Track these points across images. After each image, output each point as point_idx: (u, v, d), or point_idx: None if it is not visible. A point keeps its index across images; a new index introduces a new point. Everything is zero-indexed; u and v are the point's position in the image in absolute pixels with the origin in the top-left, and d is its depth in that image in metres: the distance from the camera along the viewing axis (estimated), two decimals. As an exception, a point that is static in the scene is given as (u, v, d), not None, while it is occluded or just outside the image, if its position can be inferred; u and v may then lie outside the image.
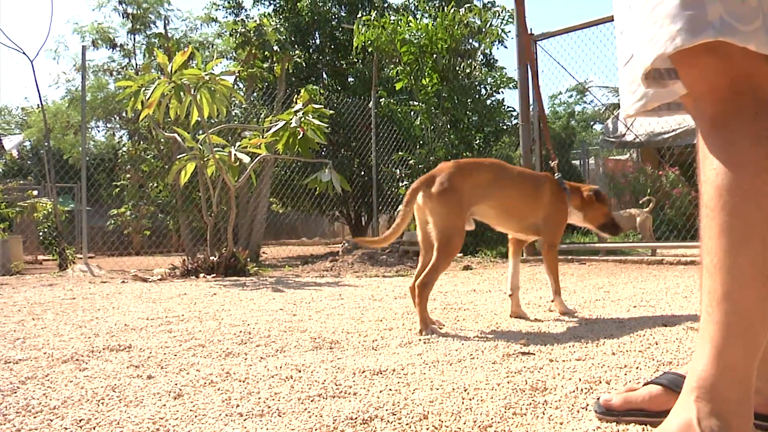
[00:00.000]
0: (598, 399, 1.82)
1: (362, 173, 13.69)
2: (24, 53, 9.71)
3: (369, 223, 15.01)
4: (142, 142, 16.11)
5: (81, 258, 9.43)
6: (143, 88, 6.98)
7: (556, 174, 3.85)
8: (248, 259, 8.01)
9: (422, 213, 3.41)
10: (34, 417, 1.90)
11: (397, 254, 9.27)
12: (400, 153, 11.78)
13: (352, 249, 9.51)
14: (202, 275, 7.19)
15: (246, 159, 7.33)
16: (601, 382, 2.14)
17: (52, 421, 1.85)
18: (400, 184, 11.35)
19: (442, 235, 3.31)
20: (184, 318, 3.89)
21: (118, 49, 17.63)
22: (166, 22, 16.13)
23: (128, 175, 15.54)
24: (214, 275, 7.16)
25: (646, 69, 1.44)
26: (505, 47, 13.19)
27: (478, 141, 11.44)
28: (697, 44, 1.31)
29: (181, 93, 6.82)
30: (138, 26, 16.15)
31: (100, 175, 16.16)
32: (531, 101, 9.10)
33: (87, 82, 10.41)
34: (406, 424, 1.74)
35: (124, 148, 16.94)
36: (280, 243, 19.04)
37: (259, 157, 7.67)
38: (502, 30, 11.78)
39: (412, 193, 3.43)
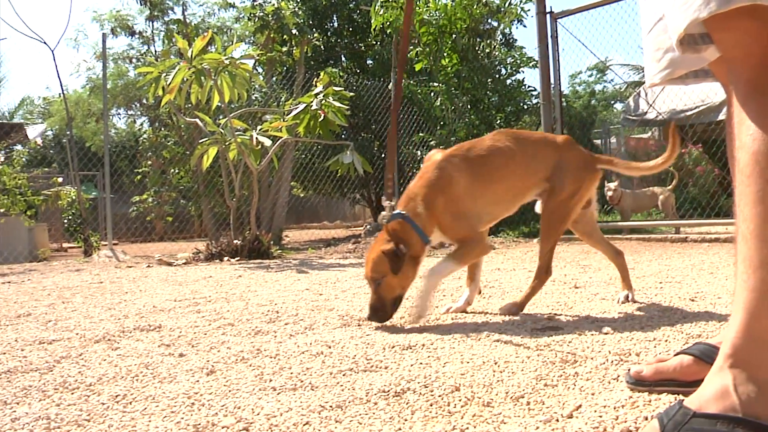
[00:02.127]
0: (629, 370, 1.82)
1: (383, 155, 13.66)
2: (45, 43, 9.79)
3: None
4: (162, 129, 16.19)
5: (105, 244, 9.52)
6: (164, 74, 7.00)
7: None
8: (271, 242, 8.05)
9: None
10: (72, 393, 1.93)
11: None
12: (420, 134, 11.75)
13: (374, 231, 9.53)
14: (226, 258, 7.24)
15: (267, 142, 7.34)
16: (630, 354, 2.14)
17: (89, 396, 1.89)
18: (421, 166, 11.31)
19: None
20: (211, 299, 3.92)
21: (136, 36, 17.63)
22: (184, 7, 16.13)
23: (149, 162, 15.63)
24: (238, 258, 7.20)
25: (680, 35, 1.43)
26: (524, 26, 13.15)
27: (498, 121, 11.39)
28: (732, 8, 1.29)
29: (202, 78, 6.84)
30: (156, 13, 16.12)
31: (122, 162, 16.26)
32: (552, 80, 9.04)
33: (107, 69, 10.46)
34: (439, 396, 1.75)
35: (145, 135, 17.03)
36: (302, 227, 19.12)
37: (280, 141, 7.68)
38: (522, 8, 11.68)
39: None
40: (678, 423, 1.31)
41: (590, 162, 3.25)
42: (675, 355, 1.82)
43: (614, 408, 1.61)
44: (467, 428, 1.51)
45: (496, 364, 2.08)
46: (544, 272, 3.16)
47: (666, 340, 2.34)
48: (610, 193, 9.12)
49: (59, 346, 2.62)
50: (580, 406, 1.63)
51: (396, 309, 2.92)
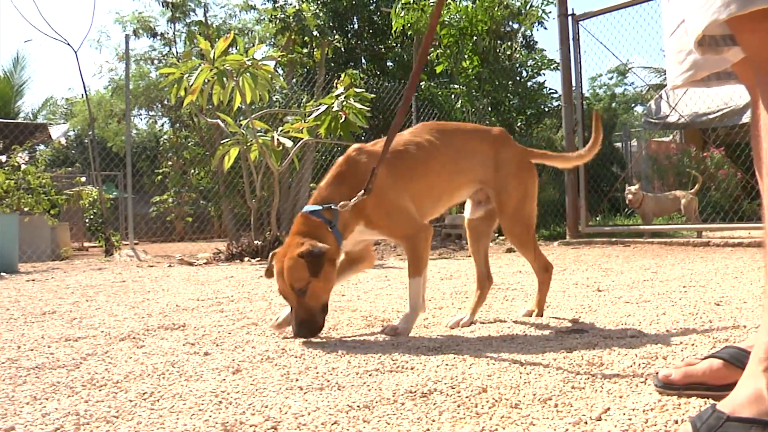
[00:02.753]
0: (657, 374, 1.81)
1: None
2: (69, 44, 9.85)
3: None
4: (183, 130, 16.28)
5: (126, 244, 9.59)
6: (186, 75, 7.04)
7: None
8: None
9: None
10: (99, 390, 1.95)
11: (439, 237, 9.27)
12: (441, 137, 11.74)
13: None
14: (246, 259, 7.27)
15: (288, 143, 7.36)
16: (658, 358, 2.13)
17: (117, 393, 1.90)
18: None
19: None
20: (233, 299, 3.94)
21: (158, 37, 17.81)
22: (206, 9, 16.24)
23: (170, 163, 15.74)
24: (259, 259, 7.22)
25: (698, 36, 1.41)
26: (545, 28, 13.07)
27: (519, 123, 11.38)
28: (755, 9, 1.28)
29: (224, 79, 6.87)
30: (178, 15, 16.26)
31: (143, 162, 16.38)
32: (573, 83, 9.00)
33: (129, 70, 10.53)
34: (466, 397, 1.75)
35: (166, 136, 17.14)
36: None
37: (301, 142, 7.70)
38: (543, 11, 11.66)
39: None
40: (711, 427, 1.30)
41: (526, 158, 3.11)
42: (704, 358, 1.80)
43: (643, 411, 1.60)
44: (496, 429, 1.51)
45: (522, 366, 2.07)
46: (544, 271, 3.06)
47: (693, 344, 2.32)
48: (630, 197, 9.06)
49: (85, 344, 2.64)
50: (608, 408, 1.62)
51: (325, 317, 2.64)
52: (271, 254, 2.69)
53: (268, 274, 2.72)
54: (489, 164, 2.96)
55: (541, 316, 3.04)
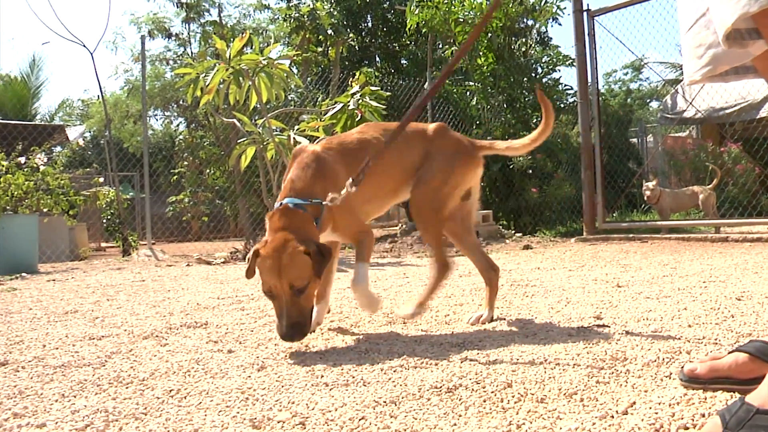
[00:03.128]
0: (682, 368, 1.81)
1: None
2: (84, 46, 9.90)
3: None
4: (199, 129, 16.34)
5: (144, 244, 9.64)
6: (202, 75, 7.06)
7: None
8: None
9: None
10: (126, 387, 1.97)
11: (455, 235, 9.25)
12: (456, 134, 11.72)
13: (410, 230, 9.53)
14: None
15: (305, 142, 7.37)
16: (681, 353, 2.12)
17: (143, 391, 1.92)
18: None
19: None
20: (254, 297, 3.96)
21: (173, 38, 17.86)
22: (220, 9, 16.29)
23: (186, 163, 15.80)
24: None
25: (728, 29, 1.41)
26: (560, 24, 13.02)
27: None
28: None
29: (240, 78, 6.89)
30: (192, 15, 16.30)
31: (159, 163, 16.45)
32: (589, 79, 8.96)
33: (145, 71, 10.59)
34: (492, 392, 1.75)
35: (181, 136, 17.20)
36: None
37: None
38: (558, 6, 11.62)
39: None
40: (741, 420, 1.30)
41: (466, 148, 2.98)
42: (729, 353, 1.80)
43: (669, 405, 1.60)
44: (523, 424, 1.51)
45: (546, 361, 2.08)
46: (441, 267, 2.85)
47: (716, 339, 2.31)
48: (648, 193, 9.02)
49: (108, 342, 2.66)
50: (634, 403, 1.63)
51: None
52: (252, 251, 2.46)
53: (250, 273, 2.48)
54: (422, 155, 2.92)
55: (490, 321, 2.90)
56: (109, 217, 13.73)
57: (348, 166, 2.68)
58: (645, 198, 9.20)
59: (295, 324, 2.30)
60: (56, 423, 1.64)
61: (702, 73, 1.66)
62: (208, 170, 14.56)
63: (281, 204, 2.53)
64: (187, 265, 7.05)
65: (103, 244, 14.43)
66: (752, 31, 1.47)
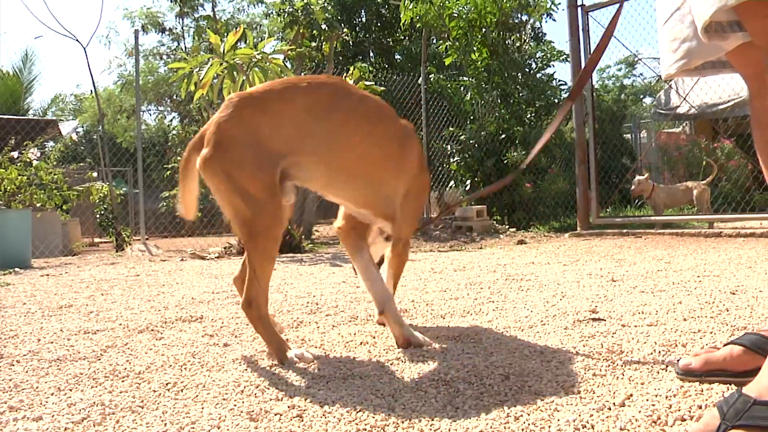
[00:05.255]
0: (678, 361, 1.81)
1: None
2: (77, 40, 9.88)
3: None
4: (193, 124, 16.30)
5: (137, 239, 9.62)
6: (196, 69, 7.04)
7: None
8: (303, 237, 8.09)
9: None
10: (122, 381, 1.96)
11: (450, 230, 9.28)
12: (450, 129, 11.74)
13: (422, 225, 9.54)
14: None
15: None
16: (677, 346, 2.13)
17: (140, 384, 1.91)
18: (451, 160, 11.33)
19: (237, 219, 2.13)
20: (249, 291, 3.94)
21: (167, 32, 17.85)
22: (214, 4, 16.26)
23: (179, 158, 15.75)
24: (270, 252, 7.22)
25: (706, 22, 1.41)
26: (554, 20, 13.02)
27: (529, 115, 11.34)
28: None
29: (234, 73, 6.88)
30: (186, 10, 16.31)
31: (152, 158, 16.40)
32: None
33: (139, 66, 10.57)
34: (489, 385, 1.76)
35: (175, 131, 17.17)
36: (330, 222, 19.13)
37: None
38: (552, 2, 11.63)
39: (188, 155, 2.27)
40: (739, 411, 1.30)
41: None
42: (724, 345, 1.81)
43: (666, 397, 1.61)
44: (521, 416, 1.52)
45: (542, 354, 2.08)
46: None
47: (711, 332, 2.32)
48: (633, 187, 8.95)
49: (104, 336, 2.65)
50: (631, 395, 1.63)
51: None
52: None
53: None
54: None
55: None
56: (102, 212, 13.68)
57: None
58: (631, 191, 9.16)
59: None
60: (52, 416, 1.64)
61: (677, 66, 1.66)
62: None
63: None
64: (181, 259, 7.04)
65: (96, 240, 14.38)
66: (734, 23, 1.47)
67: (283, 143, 2.12)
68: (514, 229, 9.67)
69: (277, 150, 2.11)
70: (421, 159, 2.50)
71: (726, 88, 11.62)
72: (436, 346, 2.27)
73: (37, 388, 1.91)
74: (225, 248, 7.84)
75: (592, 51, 8.49)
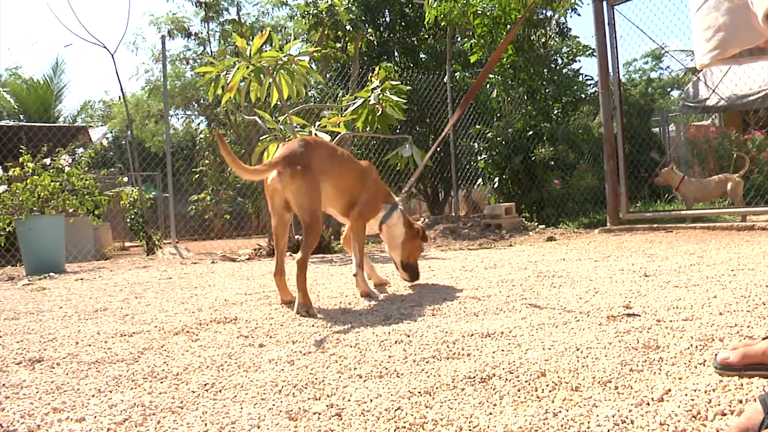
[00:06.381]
0: (716, 355, 1.80)
1: (439, 149, 13.64)
2: (105, 47, 9.99)
3: (447, 198, 14.97)
4: (220, 128, 16.40)
5: (168, 242, 9.71)
6: (223, 73, 7.09)
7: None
8: (332, 237, 8.12)
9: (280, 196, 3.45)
10: (161, 382, 1.99)
11: (478, 228, 9.25)
12: (477, 126, 11.71)
13: (433, 224, 9.53)
14: (288, 254, 7.31)
15: (326, 138, 7.39)
16: (714, 340, 2.11)
17: (178, 385, 1.94)
18: (479, 158, 11.30)
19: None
20: (281, 292, 3.97)
21: (193, 37, 17.97)
22: (239, 8, 16.34)
23: (207, 161, 15.87)
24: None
25: (766, 10, 1.38)
26: (578, 15, 12.90)
27: (556, 111, 11.27)
28: None
29: (261, 75, 6.91)
30: (211, 14, 16.38)
31: (181, 162, 16.53)
32: (610, 69, 8.90)
33: (166, 71, 10.65)
34: (525, 381, 1.76)
35: (202, 135, 17.29)
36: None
37: (339, 136, 7.73)
38: (577, -3, 11.55)
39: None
40: (782, 404, 1.29)
41: None
42: (762, 339, 1.79)
43: (705, 392, 1.60)
44: (559, 412, 1.51)
45: (578, 350, 2.07)
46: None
47: (748, 326, 2.30)
48: (658, 178, 8.84)
49: (140, 339, 2.69)
50: (669, 390, 1.62)
51: None
52: None
53: None
54: None
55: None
56: (132, 216, 13.84)
57: None
58: (654, 181, 9.05)
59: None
60: (95, 417, 1.66)
61: (711, 56, 1.62)
62: (229, 168, 14.60)
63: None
64: (212, 262, 7.10)
65: (127, 244, 14.54)
66: None
67: (319, 172, 3.44)
68: (543, 226, 9.62)
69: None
70: (375, 181, 3.87)
71: (757, 79, 11.47)
72: (382, 297, 3.62)
73: (78, 390, 1.94)
74: (255, 250, 7.89)
75: (618, 45, 8.41)
